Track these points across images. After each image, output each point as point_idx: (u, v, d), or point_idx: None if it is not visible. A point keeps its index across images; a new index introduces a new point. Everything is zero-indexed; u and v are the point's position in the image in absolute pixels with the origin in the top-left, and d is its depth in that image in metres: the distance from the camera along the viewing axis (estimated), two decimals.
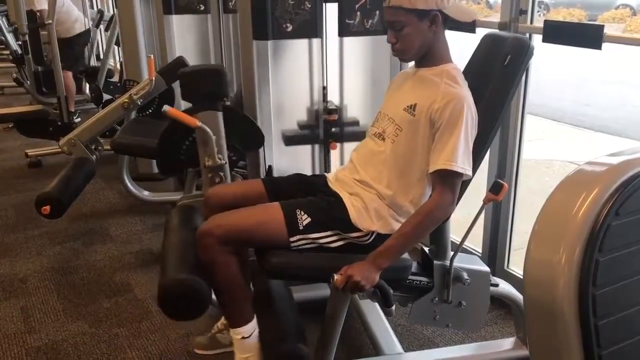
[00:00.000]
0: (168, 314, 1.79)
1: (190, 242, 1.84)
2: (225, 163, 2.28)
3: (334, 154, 2.68)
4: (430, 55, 1.81)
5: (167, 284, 1.73)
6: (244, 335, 1.85)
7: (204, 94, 2.23)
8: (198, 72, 2.33)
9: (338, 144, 2.66)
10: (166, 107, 2.13)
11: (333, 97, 2.63)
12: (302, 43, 2.51)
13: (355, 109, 2.70)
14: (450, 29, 1.84)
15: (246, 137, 2.48)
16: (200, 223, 1.91)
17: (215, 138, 2.22)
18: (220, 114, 2.26)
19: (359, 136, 2.52)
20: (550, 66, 7.18)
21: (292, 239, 1.76)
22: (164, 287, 1.72)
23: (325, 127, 2.61)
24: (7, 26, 6.53)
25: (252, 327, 1.87)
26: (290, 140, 2.62)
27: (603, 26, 1.97)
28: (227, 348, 2.11)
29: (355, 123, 2.69)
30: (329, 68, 2.59)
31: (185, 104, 3.73)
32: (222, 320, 2.13)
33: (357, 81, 2.69)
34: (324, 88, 2.59)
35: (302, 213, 1.77)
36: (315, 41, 2.52)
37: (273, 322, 1.93)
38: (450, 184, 1.70)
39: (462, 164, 1.68)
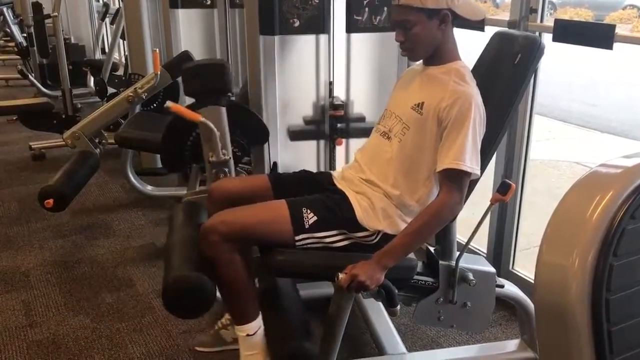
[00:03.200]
0: (172, 311, 1.78)
1: (195, 238, 1.83)
2: (230, 159, 2.27)
3: (340, 150, 2.66)
4: (438, 53, 1.79)
5: (171, 281, 1.71)
6: (249, 332, 1.83)
7: (207, 89, 2.21)
8: (201, 67, 2.31)
9: (344, 140, 2.64)
10: (169, 103, 2.11)
11: (339, 93, 2.61)
12: (309, 39, 2.49)
13: (362, 105, 2.68)
14: (459, 26, 1.82)
15: (251, 132, 2.47)
16: (205, 219, 1.90)
17: (219, 134, 2.20)
18: (223, 110, 2.24)
19: (365, 132, 2.50)
20: (557, 66, 7.14)
21: (297, 238, 1.74)
22: (168, 285, 1.71)
23: (331, 123, 2.59)
24: (12, 18, 6.53)
25: (257, 325, 1.85)
26: (296, 135, 2.60)
27: (614, 26, 1.95)
28: (230, 345, 2.10)
29: (362, 119, 2.67)
30: (336, 64, 2.57)
31: (189, 99, 3.73)
32: (226, 316, 2.12)
33: (364, 77, 2.67)
34: (330, 83, 2.57)
35: (309, 212, 1.76)
36: (323, 37, 2.50)
37: (279, 320, 1.92)
38: (457, 183, 1.68)
39: (470, 163, 1.66)
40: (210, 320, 2.31)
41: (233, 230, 1.73)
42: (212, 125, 2.17)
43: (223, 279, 1.77)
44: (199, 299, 1.71)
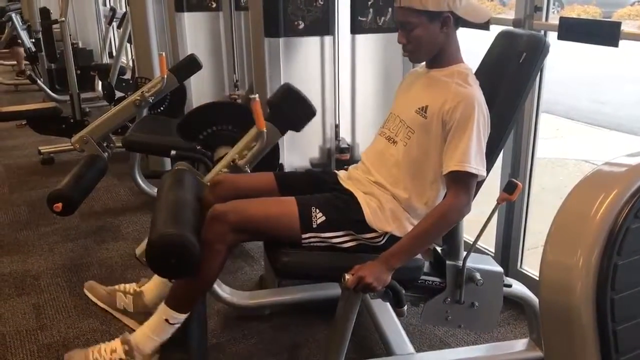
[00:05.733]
0: (155, 270, 1.76)
1: (185, 202, 1.82)
2: (246, 172, 2.25)
3: None
4: (441, 56, 1.79)
5: (155, 238, 1.69)
6: (171, 320, 1.81)
7: (287, 116, 2.20)
8: (303, 99, 2.23)
9: None
10: (256, 96, 2.08)
11: (345, 97, 2.62)
12: (314, 40, 2.49)
13: (367, 106, 2.68)
14: (463, 26, 1.82)
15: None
16: (198, 188, 1.90)
17: (258, 149, 2.19)
18: (279, 137, 2.24)
19: None
20: (564, 63, 7.10)
21: (304, 236, 1.74)
22: (153, 241, 1.68)
23: (338, 166, 2.64)
24: (21, 24, 6.58)
25: (180, 319, 1.82)
26: None
27: (620, 23, 1.94)
28: (114, 311, 2.06)
29: None
30: (341, 67, 2.57)
31: (196, 102, 3.74)
32: (135, 286, 2.08)
33: (369, 79, 2.67)
34: (337, 126, 2.60)
35: (317, 211, 1.76)
36: (327, 39, 2.50)
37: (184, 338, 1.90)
38: (464, 185, 1.68)
39: (476, 164, 1.66)
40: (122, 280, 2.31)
41: (242, 221, 1.73)
42: (265, 139, 2.15)
43: (202, 265, 1.74)
44: (183, 258, 1.68)
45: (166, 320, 1.81)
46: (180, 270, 1.72)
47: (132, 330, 1.91)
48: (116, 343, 1.85)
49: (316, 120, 2.61)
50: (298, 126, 2.23)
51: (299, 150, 2.64)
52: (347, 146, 2.68)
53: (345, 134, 2.74)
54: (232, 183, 1.97)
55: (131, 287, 2.09)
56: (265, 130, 2.13)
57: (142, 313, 1.97)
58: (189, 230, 1.72)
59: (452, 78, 1.74)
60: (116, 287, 2.10)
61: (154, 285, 2.15)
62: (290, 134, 2.29)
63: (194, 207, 1.88)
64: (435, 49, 1.77)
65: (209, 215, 1.76)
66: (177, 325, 1.83)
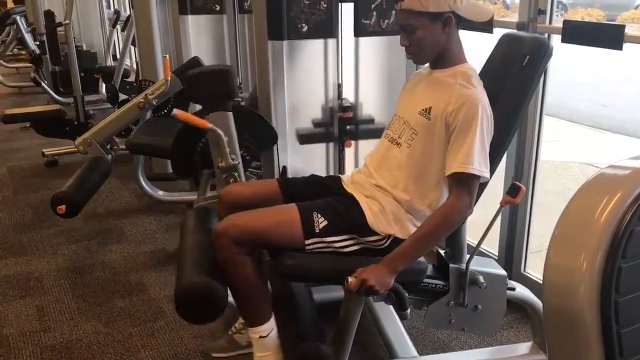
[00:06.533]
0: (185, 318, 1.79)
1: (206, 244, 1.83)
2: (238, 163, 2.27)
3: (349, 153, 2.66)
4: (444, 56, 1.79)
5: (182, 288, 1.72)
6: (262, 334, 1.83)
7: (212, 95, 2.19)
8: (205, 73, 2.29)
9: (353, 142, 2.64)
10: (175, 111, 2.10)
11: (348, 95, 2.61)
12: (318, 43, 2.49)
13: (371, 106, 2.68)
14: (466, 29, 1.82)
15: (260, 136, 2.47)
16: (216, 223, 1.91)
17: (226, 139, 2.21)
18: (230, 114, 2.23)
19: (374, 133, 2.50)
20: (567, 66, 7.09)
21: (307, 242, 1.74)
22: (180, 291, 1.71)
23: (340, 125, 2.59)
24: (25, 27, 6.60)
25: (270, 326, 1.85)
26: (305, 138, 2.60)
27: (624, 26, 1.93)
28: (245, 349, 2.10)
29: (371, 121, 2.67)
30: (344, 68, 2.57)
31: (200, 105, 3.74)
32: (240, 320, 2.12)
33: (373, 81, 2.67)
34: (339, 85, 2.57)
35: (319, 216, 1.76)
36: (331, 41, 2.50)
37: (293, 322, 1.92)
38: (467, 186, 1.67)
39: (479, 165, 1.65)
40: (224, 324, 2.31)
41: (243, 233, 1.73)
42: (219, 131, 2.17)
43: (234, 282, 1.78)
44: (211, 305, 1.71)
45: (260, 337, 1.84)
46: (209, 315, 1.76)
47: None
48: None
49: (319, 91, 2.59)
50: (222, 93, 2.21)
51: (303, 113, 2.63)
52: (349, 104, 2.64)
53: None
54: (238, 193, 1.98)
55: (239, 324, 2.12)
56: (211, 125, 2.14)
57: None
58: (211, 273, 1.73)
59: (456, 79, 1.74)
60: (229, 332, 2.14)
61: None
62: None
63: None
64: (438, 50, 1.77)
65: (212, 236, 1.78)
66: (274, 332, 1.85)
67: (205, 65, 2.23)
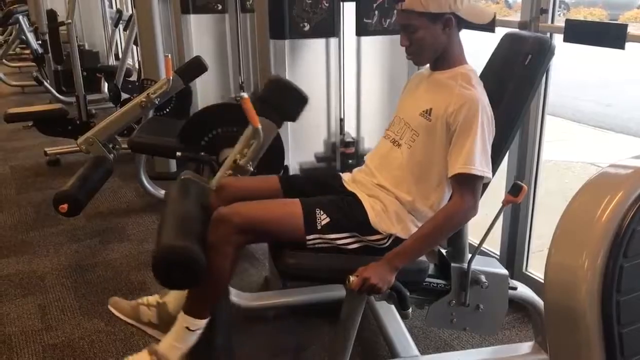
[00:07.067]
0: (161, 282, 1.75)
1: (189, 212, 1.82)
2: (252, 172, 2.25)
3: None
4: (444, 57, 1.78)
5: (161, 251, 1.69)
6: (192, 327, 1.80)
7: (282, 106, 2.18)
8: (291, 88, 2.22)
9: None
10: (244, 95, 2.06)
11: (350, 102, 2.62)
12: (320, 42, 2.50)
13: (372, 108, 2.68)
14: (468, 28, 1.81)
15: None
16: (204, 196, 1.91)
17: (257, 145, 2.17)
18: (277, 130, 2.22)
19: None
20: (570, 66, 7.08)
21: (308, 238, 1.74)
22: (158, 254, 1.68)
23: (342, 160, 2.62)
24: (28, 26, 6.61)
25: (202, 325, 1.82)
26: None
27: (626, 25, 1.93)
28: (141, 325, 2.04)
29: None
30: (346, 69, 2.57)
31: (201, 104, 3.75)
32: (157, 297, 2.08)
33: (374, 80, 2.67)
34: (342, 120, 2.59)
35: (322, 213, 1.76)
36: (333, 41, 2.50)
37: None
38: (470, 187, 1.67)
39: (481, 166, 1.65)
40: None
41: (246, 222, 1.73)
42: (262, 135, 2.12)
43: (211, 269, 1.73)
44: (190, 270, 1.67)
45: (187, 327, 1.80)
46: (186, 281, 1.73)
47: (158, 341, 1.91)
48: (144, 354, 1.84)
49: (321, 124, 2.62)
50: (291, 114, 2.20)
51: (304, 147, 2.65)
52: (351, 140, 2.67)
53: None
54: (237, 187, 1.97)
55: (154, 299, 2.08)
56: (259, 127, 2.10)
57: (168, 323, 1.98)
58: (193, 241, 1.71)
59: (456, 80, 1.74)
60: (139, 300, 2.10)
61: (176, 295, 2.15)
62: (295, 131, 2.27)
63: (199, 216, 1.87)
64: (438, 51, 1.77)
65: (213, 218, 1.76)
66: (199, 331, 1.82)
67: (290, 83, 2.18)
